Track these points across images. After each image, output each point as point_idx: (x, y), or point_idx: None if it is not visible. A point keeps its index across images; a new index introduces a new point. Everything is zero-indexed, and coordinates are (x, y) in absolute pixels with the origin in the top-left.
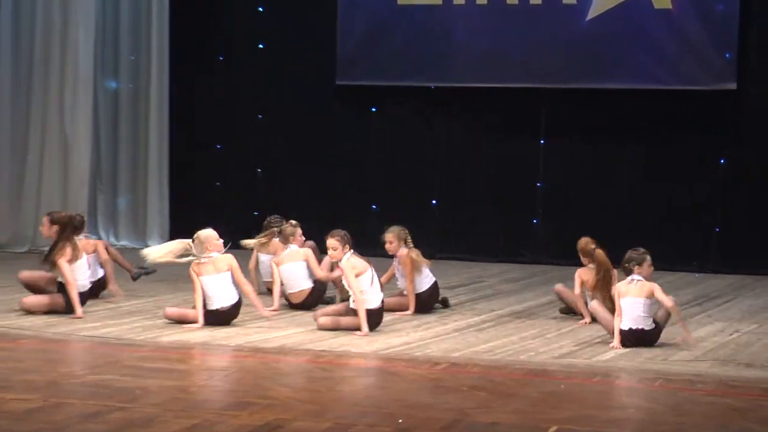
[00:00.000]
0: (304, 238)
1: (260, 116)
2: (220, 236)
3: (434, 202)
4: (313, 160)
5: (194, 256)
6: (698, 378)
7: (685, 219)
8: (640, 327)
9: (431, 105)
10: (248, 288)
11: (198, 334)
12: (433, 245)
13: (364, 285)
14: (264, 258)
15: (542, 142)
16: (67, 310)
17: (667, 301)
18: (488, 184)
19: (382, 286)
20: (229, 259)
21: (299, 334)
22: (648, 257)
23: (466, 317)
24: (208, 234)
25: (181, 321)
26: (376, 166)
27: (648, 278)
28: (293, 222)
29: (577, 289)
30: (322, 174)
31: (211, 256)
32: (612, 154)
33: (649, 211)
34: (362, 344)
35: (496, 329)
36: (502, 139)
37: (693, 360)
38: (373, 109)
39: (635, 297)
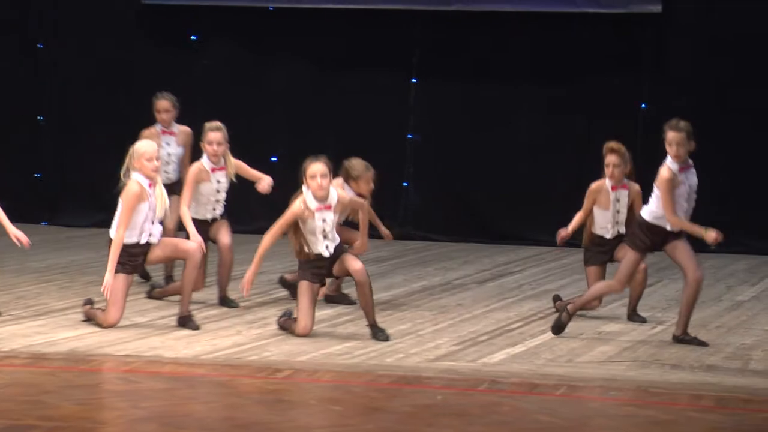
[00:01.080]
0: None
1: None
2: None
3: (274, 158)
4: (109, 109)
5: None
6: (612, 384)
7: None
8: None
9: (269, 32)
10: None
11: None
12: (268, 215)
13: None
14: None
15: (414, 80)
16: None
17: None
18: (343, 136)
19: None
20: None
21: (94, 334)
22: None
23: (317, 310)
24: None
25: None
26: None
27: None
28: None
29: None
30: (119, 128)
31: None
32: (505, 97)
33: (553, 170)
34: (179, 346)
35: (354, 325)
36: (361, 77)
37: (605, 361)
38: (193, 38)
39: None
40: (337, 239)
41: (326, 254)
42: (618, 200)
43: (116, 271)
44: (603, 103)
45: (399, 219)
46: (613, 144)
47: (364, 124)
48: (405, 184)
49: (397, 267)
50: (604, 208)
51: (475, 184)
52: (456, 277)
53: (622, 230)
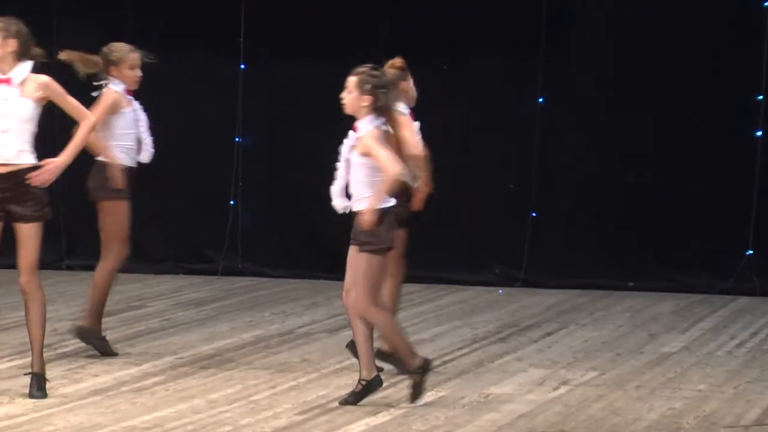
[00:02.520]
0: None
1: None
2: None
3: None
4: None
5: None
6: None
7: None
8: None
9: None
10: None
11: None
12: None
13: None
14: None
15: (243, 66)
16: None
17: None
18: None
19: None
20: None
21: None
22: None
23: (114, 368)
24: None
25: None
26: None
27: None
28: None
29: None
30: None
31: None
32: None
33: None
34: None
35: (166, 388)
36: (178, 61)
37: (494, 428)
38: None
39: None
40: None
41: None
42: None
43: None
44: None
45: (224, 248)
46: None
47: (179, 122)
48: (232, 202)
49: (223, 311)
50: None
51: (322, 203)
52: (300, 324)
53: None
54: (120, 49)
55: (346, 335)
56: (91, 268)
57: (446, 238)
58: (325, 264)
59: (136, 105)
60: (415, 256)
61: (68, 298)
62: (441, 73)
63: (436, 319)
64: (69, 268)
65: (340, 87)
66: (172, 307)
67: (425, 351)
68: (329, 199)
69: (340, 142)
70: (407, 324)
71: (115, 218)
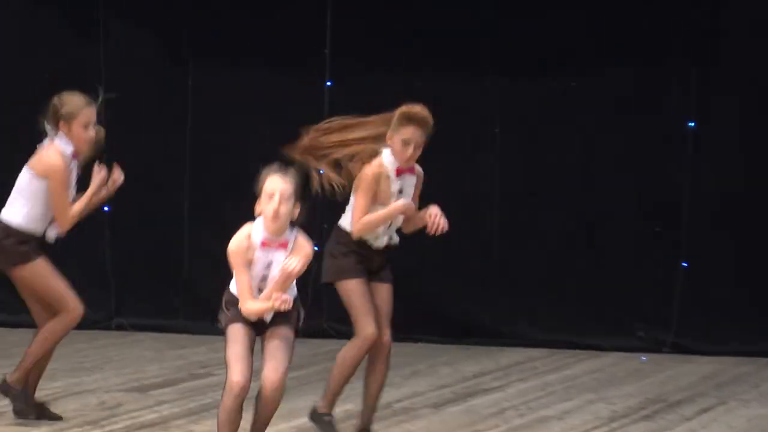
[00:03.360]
0: None
1: None
2: None
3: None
4: None
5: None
6: None
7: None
8: None
9: None
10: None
11: None
12: None
13: None
14: None
15: (329, 83)
16: None
17: None
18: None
19: None
20: None
21: None
22: None
23: None
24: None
25: None
26: None
27: None
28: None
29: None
30: None
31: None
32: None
33: (542, 221)
34: None
35: None
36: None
37: None
38: None
39: None
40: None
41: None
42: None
43: None
44: None
45: (306, 304)
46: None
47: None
48: (315, 248)
49: (304, 381)
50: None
51: (422, 250)
52: (398, 398)
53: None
54: (72, 102)
55: (453, 411)
56: (145, 327)
57: (578, 294)
58: (428, 325)
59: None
60: (541, 317)
61: (118, 364)
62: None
63: (565, 392)
64: (119, 327)
65: (445, 100)
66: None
67: (552, 431)
68: (443, 246)
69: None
70: (530, 397)
71: (37, 282)
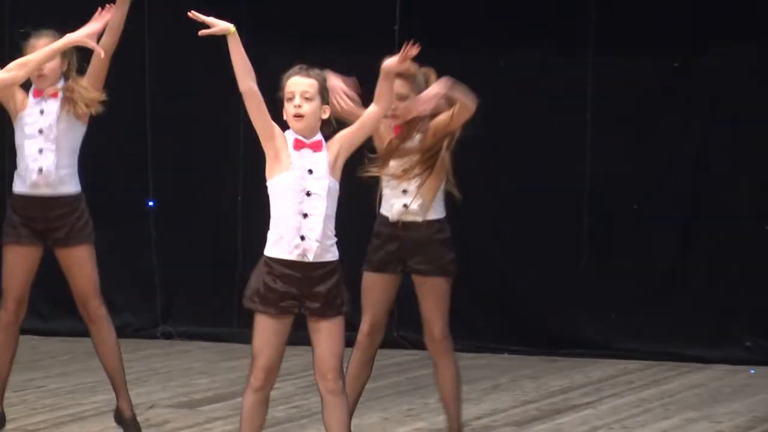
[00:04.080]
0: None
1: None
2: None
3: (151, 203)
4: None
5: None
6: None
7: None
8: None
9: None
10: None
11: None
12: None
13: None
14: None
15: None
16: None
17: None
18: None
19: None
20: None
21: None
22: None
23: None
24: None
25: None
26: None
27: None
28: None
29: None
30: None
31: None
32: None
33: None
34: None
35: None
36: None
37: None
38: None
39: None
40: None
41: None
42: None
43: None
44: None
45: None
46: None
47: None
48: None
49: (372, 396)
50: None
51: (506, 253)
52: (477, 415)
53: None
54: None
55: (538, 430)
56: (194, 336)
57: (677, 301)
58: (511, 334)
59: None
60: (636, 326)
61: (164, 377)
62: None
63: (663, 409)
64: (166, 336)
65: (529, 81)
66: (303, 390)
67: None
68: (529, 249)
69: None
70: (624, 415)
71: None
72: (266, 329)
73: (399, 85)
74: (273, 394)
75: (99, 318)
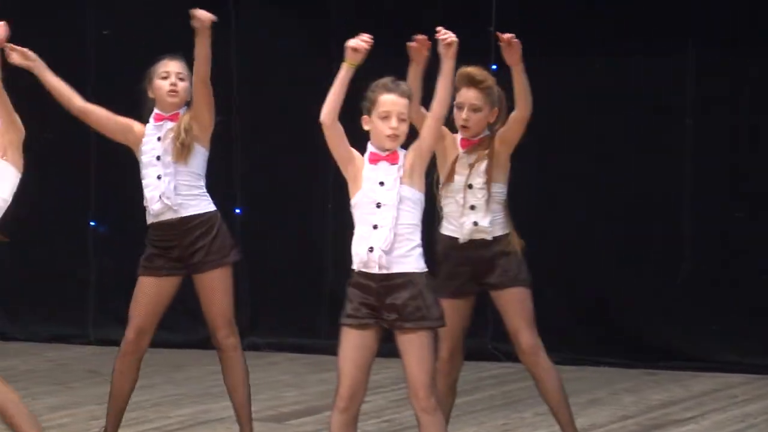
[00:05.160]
0: None
1: None
2: None
3: (238, 210)
4: None
5: None
6: None
7: None
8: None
9: None
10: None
11: None
12: None
13: None
14: None
15: (494, 67)
16: None
17: None
18: None
19: None
20: None
21: None
22: None
23: None
24: None
25: None
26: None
27: None
28: None
29: None
30: None
31: None
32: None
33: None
34: None
35: None
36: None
37: None
38: None
39: None
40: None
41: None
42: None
43: None
44: None
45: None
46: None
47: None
48: None
49: (467, 410)
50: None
51: (603, 262)
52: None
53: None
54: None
55: None
56: (283, 347)
57: None
58: (609, 346)
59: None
60: (740, 337)
61: (252, 389)
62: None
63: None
64: (253, 347)
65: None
66: (395, 404)
67: None
68: (621, 255)
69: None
70: (728, 430)
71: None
72: (348, 343)
73: (473, 97)
74: (364, 407)
75: (228, 348)
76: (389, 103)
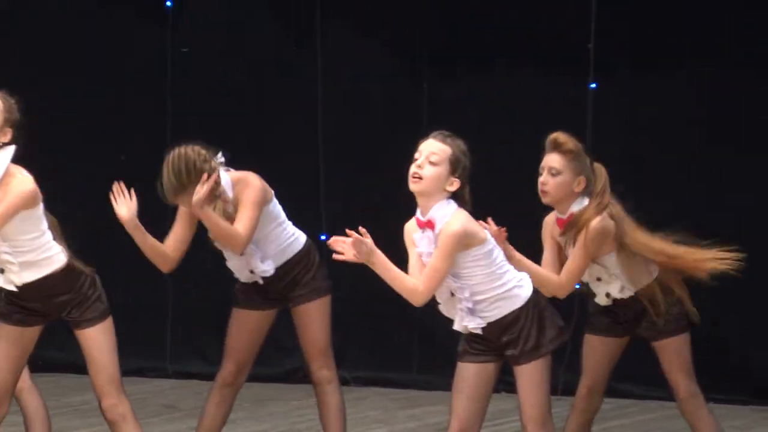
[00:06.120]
0: None
1: None
2: None
3: (323, 236)
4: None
5: None
6: None
7: None
8: None
9: None
10: None
11: None
12: None
13: None
14: None
15: (593, 86)
16: None
17: None
18: None
19: None
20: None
21: None
22: None
23: None
24: None
25: None
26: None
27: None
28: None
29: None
30: None
31: None
32: None
33: None
34: None
35: None
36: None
37: None
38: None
39: None
40: None
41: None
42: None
43: None
44: None
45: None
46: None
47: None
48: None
49: None
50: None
51: (721, 293)
52: None
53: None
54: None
55: None
56: (371, 381)
57: None
58: (718, 382)
59: None
60: None
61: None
62: None
63: None
64: (340, 381)
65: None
66: None
67: None
68: (728, 284)
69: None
70: None
71: None
72: (462, 376)
73: (553, 160)
74: None
75: (322, 381)
76: (422, 145)
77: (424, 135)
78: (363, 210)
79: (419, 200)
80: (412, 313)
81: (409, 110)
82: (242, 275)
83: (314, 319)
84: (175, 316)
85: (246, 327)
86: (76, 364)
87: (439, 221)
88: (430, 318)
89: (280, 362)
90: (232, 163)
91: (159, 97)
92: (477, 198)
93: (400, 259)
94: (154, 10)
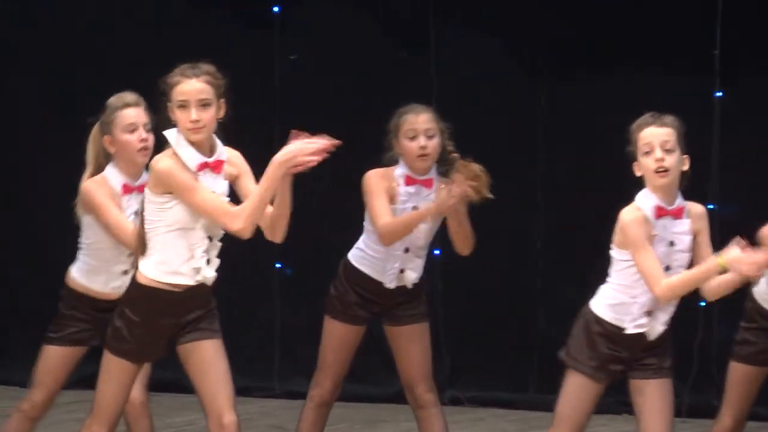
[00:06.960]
0: None
1: None
2: None
3: None
4: None
5: None
6: None
7: None
8: None
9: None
10: None
11: None
12: None
13: None
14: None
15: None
16: None
17: None
18: None
19: None
20: None
21: None
22: None
23: None
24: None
25: None
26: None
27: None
28: None
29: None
30: None
31: None
32: None
33: None
34: None
35: None
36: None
37: None
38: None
39: None
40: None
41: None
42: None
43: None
44: None
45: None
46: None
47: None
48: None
49: None
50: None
51: None
52: None
53: None
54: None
55: None
56: (487, 401)
57: None
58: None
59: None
60: None
61: None
62: None
63: None
64: (454, 401)
65: None
66: None
67: None
68: None
69: None
70: None
71: None
72: (577, 391)
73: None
74: None
75: (427, 403)
76: (648, 136)
77: (541, 140)
78: (482, 223)
79: (662, 191)
80: (530, 330)
81: (526, 113)
82: (389, 275)
83: (422, 340)
84: (283, 333)
85: (346, 342)
86: (178, 383)
87: (686, 211)
88: (549, 335)
89: (391, 382)
90: None
91: (267, 105)
92: (600, 203)
93: (518, 281)
94: (261, 16)
